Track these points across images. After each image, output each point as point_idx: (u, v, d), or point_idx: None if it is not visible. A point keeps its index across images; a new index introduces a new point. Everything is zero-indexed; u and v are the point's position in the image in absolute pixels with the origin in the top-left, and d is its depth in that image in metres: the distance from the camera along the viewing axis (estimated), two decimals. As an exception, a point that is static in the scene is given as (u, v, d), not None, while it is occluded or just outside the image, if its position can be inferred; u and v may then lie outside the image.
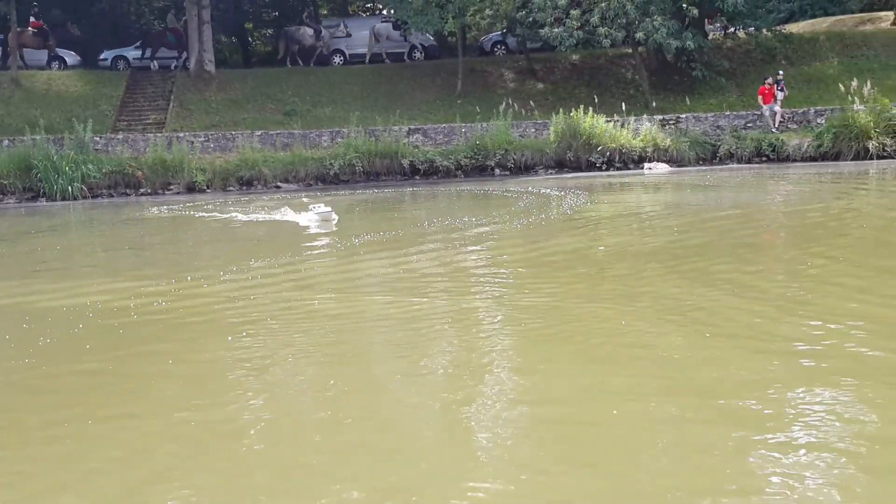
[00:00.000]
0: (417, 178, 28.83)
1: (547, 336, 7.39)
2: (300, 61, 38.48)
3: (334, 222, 16.17)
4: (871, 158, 26.28)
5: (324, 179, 28.63)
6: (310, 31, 38.78)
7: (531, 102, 32.35)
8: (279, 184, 28.33)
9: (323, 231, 15.50)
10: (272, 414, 5.75)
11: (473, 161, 28.98)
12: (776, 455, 4.54)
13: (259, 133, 30.48)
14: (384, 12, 43.14)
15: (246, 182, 28.30)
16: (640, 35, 30.58)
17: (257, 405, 5.93)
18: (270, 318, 8.46)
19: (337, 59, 39.00)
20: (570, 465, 4.68)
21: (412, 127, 30.68)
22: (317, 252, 13.35)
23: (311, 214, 16.56)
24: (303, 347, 7.34)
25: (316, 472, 4.78)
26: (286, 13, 45.67)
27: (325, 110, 33.57)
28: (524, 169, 28.90)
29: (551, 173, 28.43)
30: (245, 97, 34.86)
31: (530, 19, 32.06)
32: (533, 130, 30.59)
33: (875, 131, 26.77)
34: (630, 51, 33.97)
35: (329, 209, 16.50)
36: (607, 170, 28.34)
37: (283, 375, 6.62)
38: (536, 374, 6.37)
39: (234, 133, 30.71)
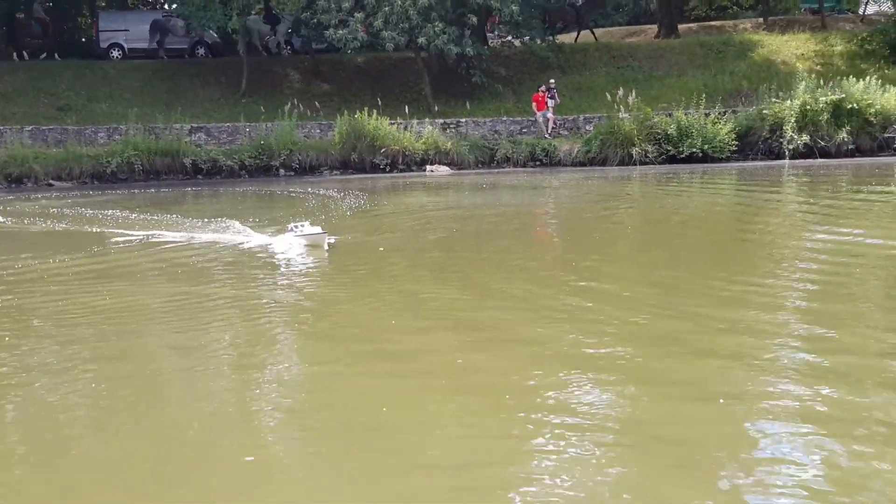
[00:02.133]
0: (200, 177, 28.36)
1: (321, 329, 7.75)
2: (265, 52, 37.40)
3: (328, 245, 12.29)
4: (635, 164, 28.08)
5: (101, 178, 27.66)
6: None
7: (316, 103, 32.44)
8: (51, 182, 27.13)
9: (307, 259, 11.83)
10: (44, 411, 5.77)
11: (258, 161, 28.81)
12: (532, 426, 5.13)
13: (30, 128, 29.09)
14: (166, 6, 42.02)
15: (15, 179, 26.92)
16: (422, 40, 31.32)
17: (27, 405, 5.93)
18: (37, 316, 8.34)
19: (115, 54, 37.60)
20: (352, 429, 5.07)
21: (195, 125, 30.12)
22: (90, 250, 13.06)
23: (291, 237, 12.70)
24: (76, 342, 7.33)
25: (90, 459, 4.91)
26: (61, 4, 43.54)
27: (102, 106, 32.35)
28: (309, 169, 29.02)
29: (336, 174, 28.72)
30: (15, 90, 33.09)
31: (315, 20, 32.20)
32: (318, 131, 30.75)
33: (638, 138, 28.62)
34: (413, 55, 34.73)
35: (319, 229, 12.52)
36: (391, 171, 28.91)
37: (55, 375, 6.61)
38: (312, 364, 6.72)
39: (1, 128, 29.15)
